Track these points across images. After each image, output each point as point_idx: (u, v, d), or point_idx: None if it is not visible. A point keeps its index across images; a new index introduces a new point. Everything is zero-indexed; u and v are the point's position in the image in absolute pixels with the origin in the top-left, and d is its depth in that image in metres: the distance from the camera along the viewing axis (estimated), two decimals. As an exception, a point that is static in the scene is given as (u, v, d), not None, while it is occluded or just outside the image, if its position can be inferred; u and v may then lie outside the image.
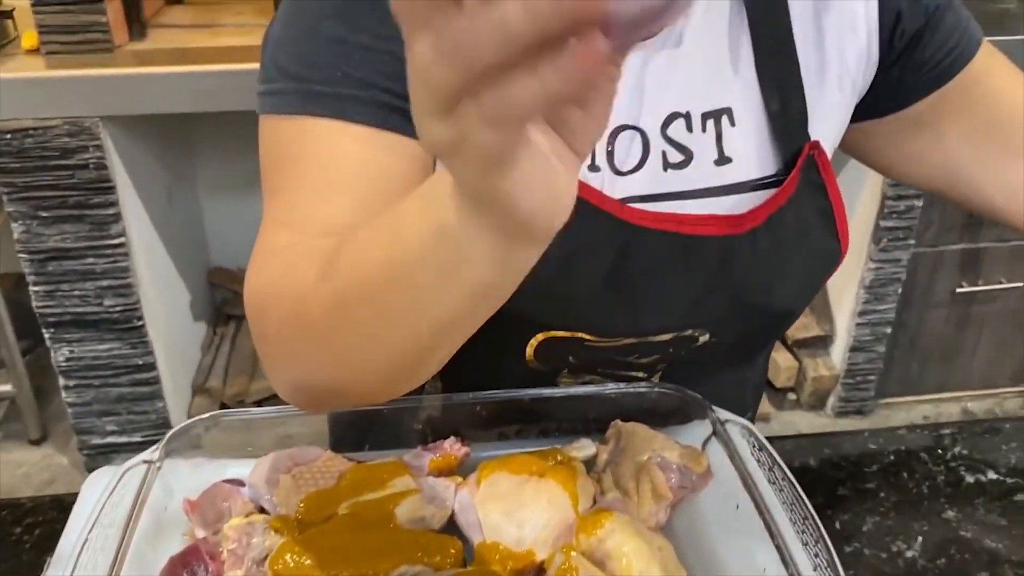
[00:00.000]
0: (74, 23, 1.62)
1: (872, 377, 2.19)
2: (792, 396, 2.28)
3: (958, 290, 2.10)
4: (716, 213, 0.67)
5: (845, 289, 2.13)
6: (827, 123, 0.71)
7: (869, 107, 0.74)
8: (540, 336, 0.70)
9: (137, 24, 1.73)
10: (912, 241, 2.01)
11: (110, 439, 1.93)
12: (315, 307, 0.51)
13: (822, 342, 2.22)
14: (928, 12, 0.70)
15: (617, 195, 0.66)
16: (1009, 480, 0.79)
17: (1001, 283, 2.11)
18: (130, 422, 1.92)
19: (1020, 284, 2.11)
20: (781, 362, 2.22)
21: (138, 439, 1.93)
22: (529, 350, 0.71)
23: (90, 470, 1.96)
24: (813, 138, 0.69)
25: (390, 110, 0.60)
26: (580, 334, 0.70)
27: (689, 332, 0.71)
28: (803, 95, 0.69)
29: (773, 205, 0.68)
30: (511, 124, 0.30)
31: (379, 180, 0.58)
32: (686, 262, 0.67)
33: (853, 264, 2.07)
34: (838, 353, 2.19)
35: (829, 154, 0.72)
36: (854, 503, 0.77)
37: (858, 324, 2.10)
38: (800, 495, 0.62)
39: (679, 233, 0.66)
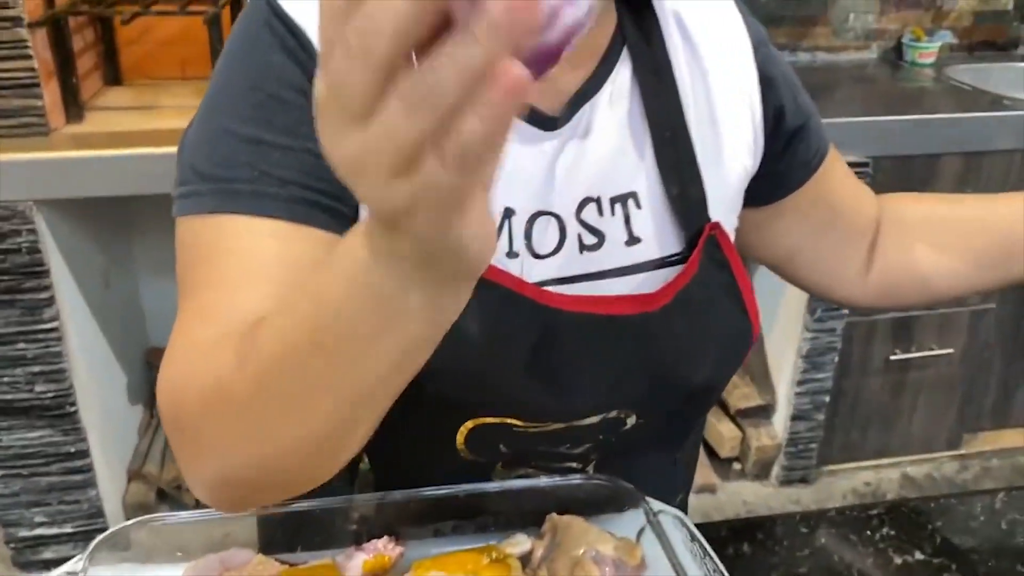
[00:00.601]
0: (9, 107, 1.61)
1: (813, 445, 2.22)
2: (737, 466, 2.30)
3: (892, 357, 2.16)
4: (628, 293, 0.70)
5: (784, 358, 2.17)
6: (725, 204, 0.75)
7: (751, 196, 0.78)
8: (469, 424, 0.70)
9: (74, 107, 1.72)
10: (845, 311, 2.07)
11: (39, 531, 1.86)
12: (236, 387, 0.49)
13: (763, 411, 2.25)
14: (806, 114, 0.79)
15: (535, 278, 0.68)
16: (935, 560, 0.80)
17: (932, 350, 2.17)
18: (60, 512, 1.85)
19: (951, 350, 2.18)
20: (725, 432, 2.24)
21: (69, 530, 1.86)
22: (459, 438, 0.71)
23: (17, 564, 1.89)
24: (714, 219, 0.73)
25: (309, 205, 0.61)
26: (508, 420, 0.70)
27: (615, 414, 0.72)
28: (700, 180, 0.72)
29: (680, 283, 0.70)
30: (473, 163, 0.31)
31: (299, 272, 0.59)
32: (604, 342, 0.69)
33: (790, 334, 2.12)
34: (780, 422, 2.22)
35: (731, 234, 0.75)
36: (788, 590, 0.78)
37: (797, 393, 2.14)
38: (731, 588, 0.63)
39: (596, 314, 0.68)
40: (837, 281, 0.87)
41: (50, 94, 1.66)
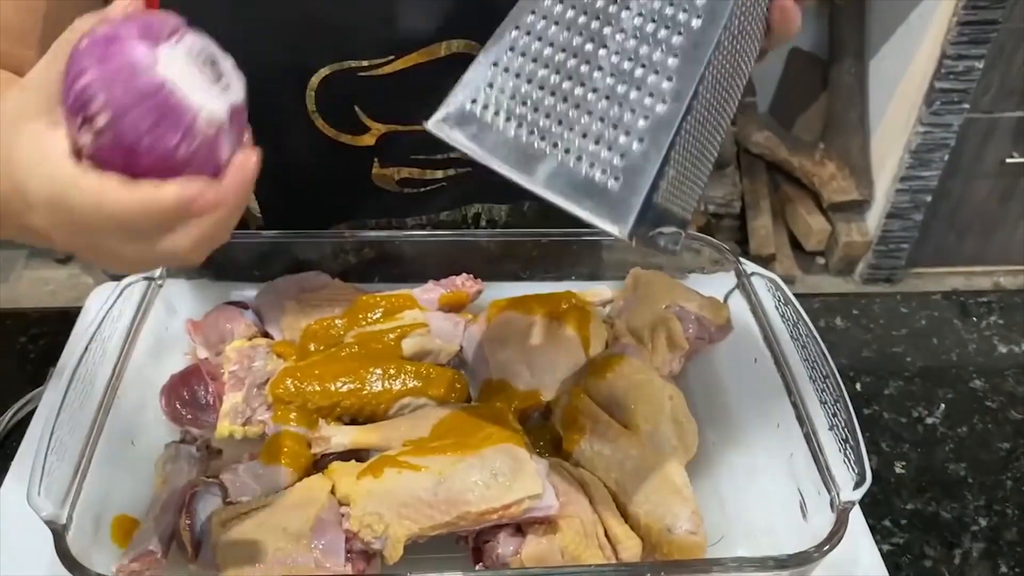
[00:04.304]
0: None
1: (905, 245, 2.13)
2: (821, 260, 2.24)
3: (1008, 160, 2.01)
4: None
5: (889, 153, 2.04)
6: None
7: None
8: (314, 81, 0.66)
9: None
10: (966, 105, 1.90)
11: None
12: None
13: (858, 207, 2.15)
14: None
15: None
16: (1043, 352, 0.75)
17: (1054, 154, 2.01)
18: (153, 246, 1.92)
19: (1075, 156, 2.01)
20: (814, 225, 2.16)
21: (161, 263, 1.94)
22: (310, 103, 0.67)
23: (114, 276, 1.99)
24: None
25: None
26: (349, 64, 0.65)
27: (461, 44, 0.66)
28: None
29: None
30: None
31: None
32: None
33: (901, 126, 1.98)
34: (873, 219, 2.13)
35: None
36: (878, 366, 0.75)
37: (898, 190, 2.03)
38: (823, 352, 0.59)
39: None
40: None
41: None
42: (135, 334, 0.62)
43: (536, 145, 0.45)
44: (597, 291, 0.71)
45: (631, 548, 0.53)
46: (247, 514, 0.52)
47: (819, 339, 0.60)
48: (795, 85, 2.25)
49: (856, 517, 0.59)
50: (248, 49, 0.63)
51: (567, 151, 0.45)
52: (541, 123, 0.46)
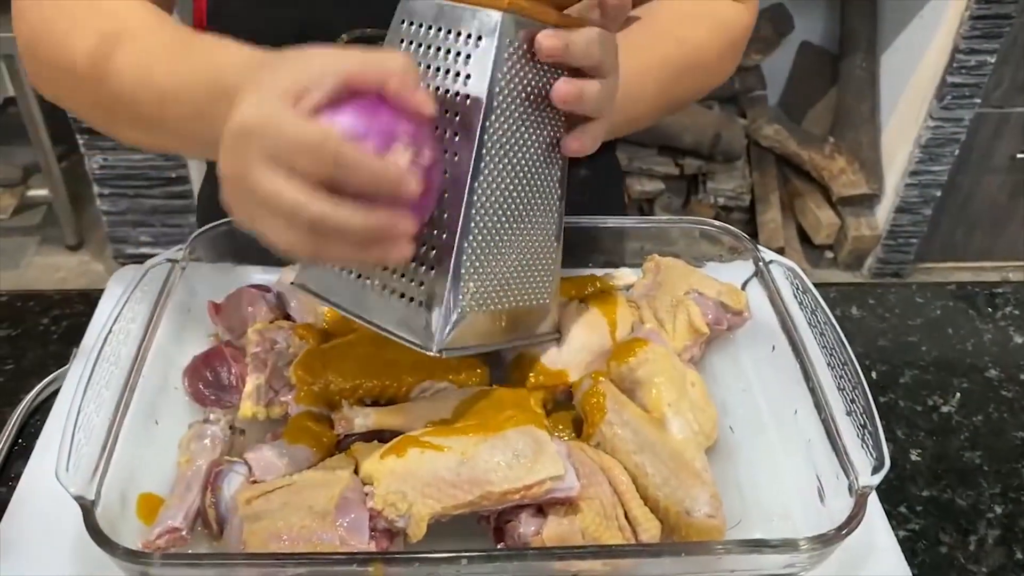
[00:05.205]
0: None
1: (914, 240, 2.13)
2: (829, 254, 2.24)
3: (1019, 155, 2.00)
4: None
5: (899, 147, 2.04)
6: None
7: None
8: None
9: None
10: (978, 100, 1.90)
11: (144, 249, 1.95)
12: (86, 87, 0.59)
13: (868, 201, 2.15)
14: None
15: None
16: (1058, 343, 0.75)
17: (1065, 151, 2.00)
18: (164, 234, 1.93)
19: (1087, 153, 2.00)
20: (823, 219, 2.16)
21: (171, 251, 1.95)
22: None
23: (125, 278, 2.00)
24: None
25: None
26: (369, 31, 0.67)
27: None
28: None
29: None
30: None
31: None
32: None
33: (911, 120, 1.97)
34: (883, 213, 2.13)
35: None
36: (893, 355, 0.75)
37: (908, 184, 2.03)
38: (841, 339, 0.60)
39: None
40: None
41: None
42: (158, 316, 0.63)
43: (364, 287, 0.55)
44: (621, 275, 0.71)
45: (650, 530, 0.54)
46: (271, 492, 0.53)
47: (837, 326, 0.61)
48: (805, 79, 2.25)
49: (873, 503, 0.59)
50: (273, 15, 0.64)
51: (384, 287, 0.54)
52: (365, 269, 0.55)
